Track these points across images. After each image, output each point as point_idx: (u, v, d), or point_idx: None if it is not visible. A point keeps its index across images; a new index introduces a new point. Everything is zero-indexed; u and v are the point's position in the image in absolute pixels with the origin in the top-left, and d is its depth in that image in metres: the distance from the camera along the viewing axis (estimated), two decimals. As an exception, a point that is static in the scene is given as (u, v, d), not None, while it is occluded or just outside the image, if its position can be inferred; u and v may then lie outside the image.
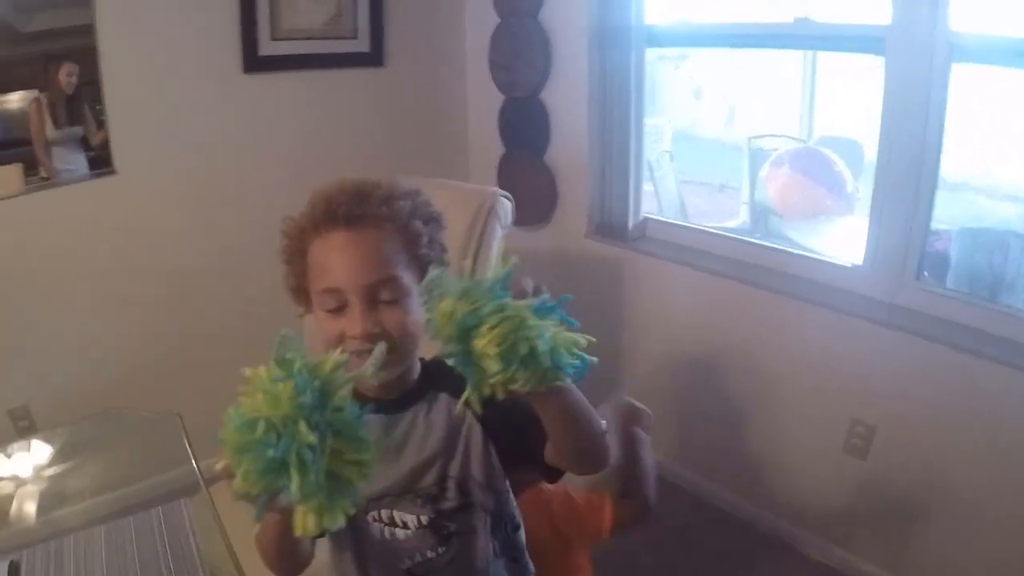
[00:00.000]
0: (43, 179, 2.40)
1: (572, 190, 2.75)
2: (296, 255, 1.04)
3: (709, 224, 2.88)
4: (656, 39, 2.48)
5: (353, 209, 0.98)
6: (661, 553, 2.29)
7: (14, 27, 2.25)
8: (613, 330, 2.70)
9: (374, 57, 2.82)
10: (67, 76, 2.34)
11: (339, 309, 0.97)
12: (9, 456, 1.75)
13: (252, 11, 2.53)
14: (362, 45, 2.78)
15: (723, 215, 4.10)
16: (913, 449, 1.99)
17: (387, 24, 2.81)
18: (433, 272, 0.81)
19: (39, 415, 2.49)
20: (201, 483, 1.47)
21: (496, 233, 1.84)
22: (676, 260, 2.47)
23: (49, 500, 1.59)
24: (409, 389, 1.07)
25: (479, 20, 2.89)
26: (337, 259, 0.98)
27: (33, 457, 1.75)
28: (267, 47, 2.59)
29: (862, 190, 3.03)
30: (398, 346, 0.97)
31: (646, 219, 2.66)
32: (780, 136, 3.91)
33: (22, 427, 2.47)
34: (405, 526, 1.07)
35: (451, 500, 1.06)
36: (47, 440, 1.85)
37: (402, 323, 0.97)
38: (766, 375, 2.29)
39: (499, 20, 2.79)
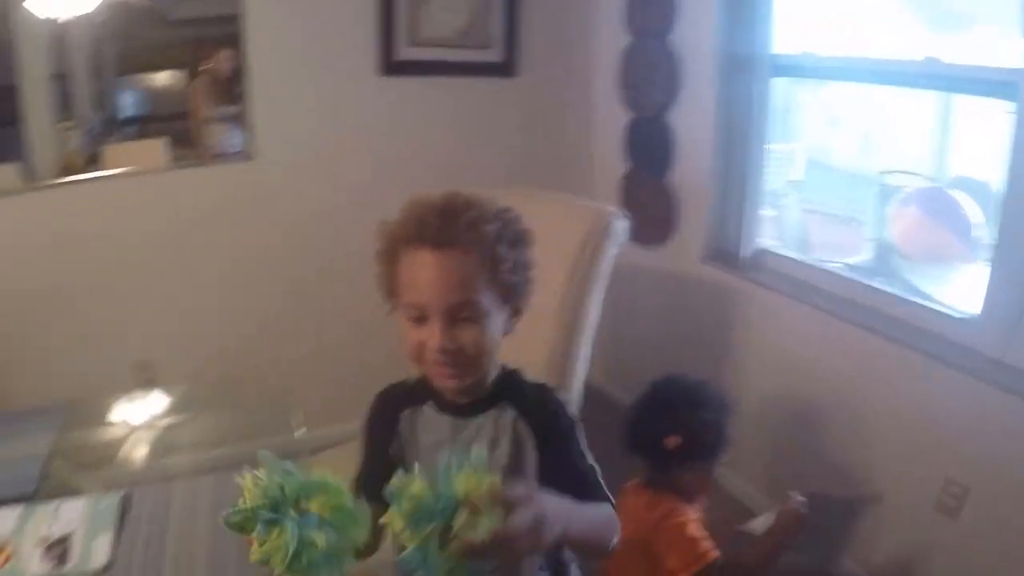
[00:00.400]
0: (191, 154, 2.64)
1: (692, 213, 2.75)
2: (388, 261, 1.10)
3: (831, 258, 2.81)
4: (782, 69, 2.47)
5: (440, 232, 1.02)
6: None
7: (162, 13, 2.48)
8: (718, 355, 2.68)
9: (506, 68, 2.91)
10: (226, 60, 2.55)
11: (421, 319, 1.04)
12: (128, 403, 1.89)
13: (391, 17, 2.67)
14: (495, 55, 2.88)
15: (847, 250, 3.98)
16: (1008, 515, 1.88)
17: (520, 36, 2.90)
18: (396, 479, 0.86)
19: (160, 371, 2.68)
20: (302, 449, 1.57)
21: (608, 252, 1.87)
22: (787, 293, 2.44)
23: (158, 448, 1.69)
24: (481, 397, 1.14)
25: (611, 38, 2.93)
26: (422, 277, 1.03)
27: (149, 408, 1.89)
28: (404, 52, 2.72)
29: (989, 237, 2.92)
30: (472, 361, 1.06)
31: (762, 249, 2.64)
32: (911, 173, 3.78)
33: (143, 380, 2.66)
34: None
35: None
36: (161, 398, 2.00)
37: (478, 341, 1.04)
38: (864, 420, 2.23)
39: (630, 39, 2.83)
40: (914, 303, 2.19)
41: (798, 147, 3.66)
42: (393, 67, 2.72)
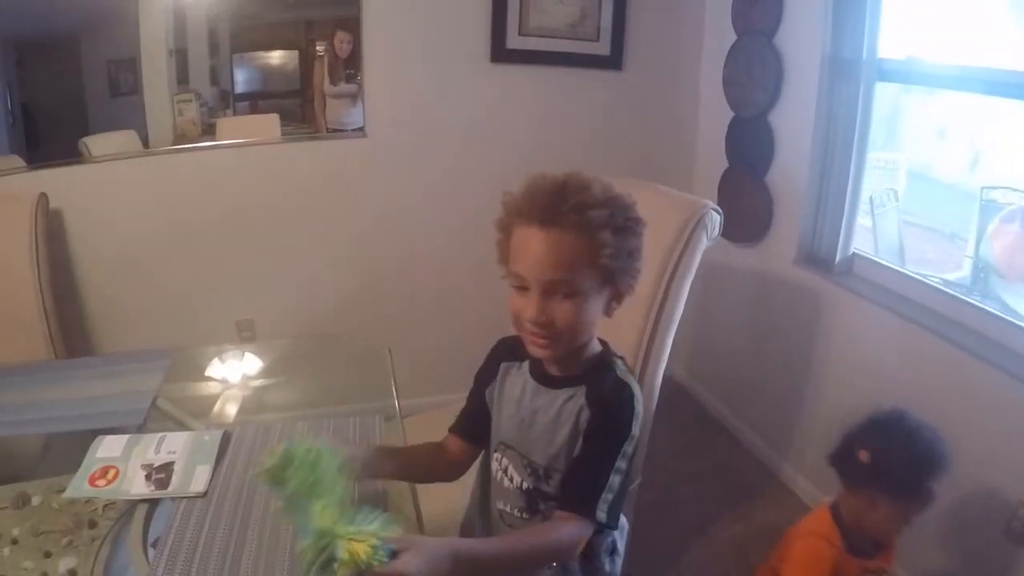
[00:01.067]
0: (305, 129, 2.79)
1: (787, 214, 2.76)
2: (503, 230, 1.18)
3: (928, 272, 2.78)
4: (888, 74, 2.45)
5: (549, 211, 1.09)
6: None
7: None
8: (802, 359, 2.69)
9: (613, 60, 2.96)
10: (341, 42, 2.69)
11: (523, 289, 1.12)
12: (223, 362, 1.97)
13: (503, 6, 2.76)
14: (603, 48, 2.93)
15: (946, 265, 3.89)
16: None
17: (628, 30, 2.95)
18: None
19: (261, 330, 2.87)
20: (397, 411, 1.62)
21: (701, 242, 1.90)
22: (877, 302, 2.42)
23: (250, 405, 1.78)
24: (566, 374, 1.21)
25: (717, 36, 2.96)
26: (527, 251, 1.11)
27: (244, 366, 1.97)
28: (514, 41, 2.81)
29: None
30: (562, 335, 1.12)
31: (854, 255, 2.63)
32: (1017, 190, 3.67)
33: (245, 337, 2.87)
34: (511, 480, 1.26)
35: (550, 488, 1.21)
36: (263, 351, 2.09)
37: (570, 318, 1.11)
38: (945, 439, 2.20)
39: (736, 38, 2.84)
40: (1003, 320, 2.16)
41: (902, 157, 3.61)
42: (503, 55, 2.81)
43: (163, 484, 1.34)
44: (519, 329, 1.17)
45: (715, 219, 1.92)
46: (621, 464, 1.14)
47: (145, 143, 2.62)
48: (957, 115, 3.46)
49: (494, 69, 2.83)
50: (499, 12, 2.76)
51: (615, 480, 1.13)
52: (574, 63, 2.92)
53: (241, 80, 2.71)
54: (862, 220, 2.75)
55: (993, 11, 2.42)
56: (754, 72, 2.77)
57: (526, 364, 1.28)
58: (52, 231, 2.39)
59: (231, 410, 1.72)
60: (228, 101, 2.72)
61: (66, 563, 1.15)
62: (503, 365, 1.32)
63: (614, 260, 1.11)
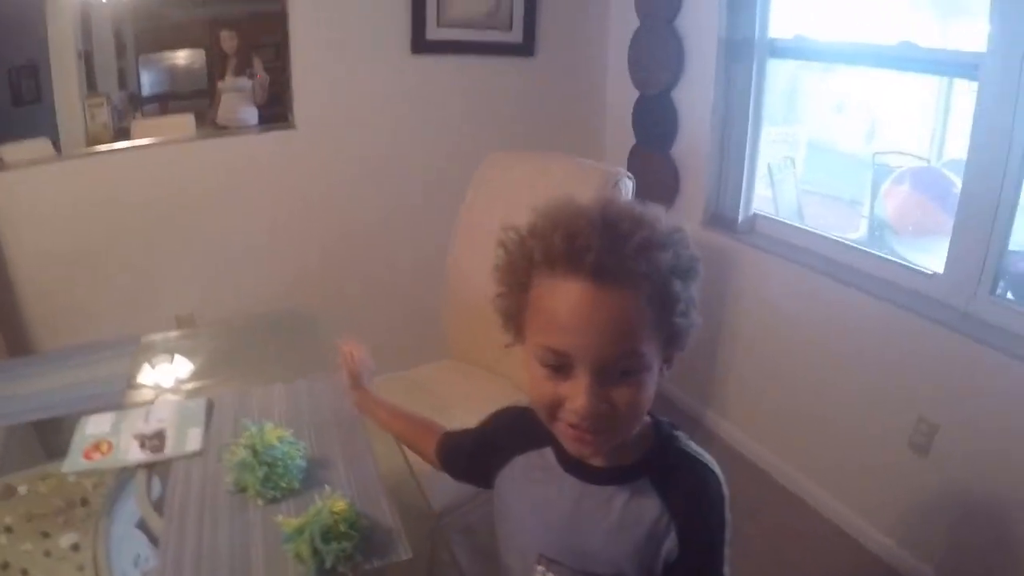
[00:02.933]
0: (216, 127, 2.80)
1: (693, 182, 2.96)
2: (516, 282, 0.87)
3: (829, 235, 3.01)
4: (779, 52, 2.65)
5: (604, 258, 0.77)
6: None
7: None
8: (714, 310, 2.89)
9: (525, 48, 3.12)
10: (228, 39, 2.72)
11: (560, 370, 0.82)
12: (184, 344, 2.02)
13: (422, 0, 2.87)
14: (515, 36, 3.09)
15: (846, 229, 4.14)
16: (973, 452, 2.05)
17: (539, 19, 3.11)
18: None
19: (201, 323, 2.88)
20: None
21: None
22: (776, 254, 2.64)
23: (221, 378, 1.81)
24: (616, 464, 0.92)
25: (621, 22, 3.14)
26: (572, 318, 0.79)
27: (204, 346, 2.03)
28: (433, 32, 2.93)
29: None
30: (620, 425, 0.84)
31: (755, 215, 2.85)
32: (906, 154, 3.91)
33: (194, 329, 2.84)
34: None
35: None
36: (217, 334, 2.16)
37: (633, 405, 0.83)
38: (845, 365, 2.41)
39: (639, 23, 3.03)
40: (886, 259, 2.38)
41: (801, 130, 3.84)
42: (423, 46, 2.94)
43: (158, 449, 1.39)
44: (550, 420, 0.87)
45: (628, 185, 2.10)
46: (727, 556, 0.92)
47: (58, 150, 2.58)
48: (853, 89, 3.69)
49: (415, 60, 2.95)
50: (418, 5, 2.88)
51: (727, 572, 0.92)
52: (490, 51, 3.07)
53: (148, 82, 2.68)
54: (763, 192, 2.96)
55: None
56: (657, 54, 2.96)
57: (551, 455, 0.98)
58: None
59: (202, 385, 1.76)
60: (137, 104, 2.69)
61: (67, 539, 1.18)
62: (519, 460, 1.02)
63: (685, 317, 0.84)
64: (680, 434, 0.96)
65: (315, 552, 1.08)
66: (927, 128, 3.87)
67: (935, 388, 2.14)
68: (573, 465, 0.94)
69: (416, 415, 1.37)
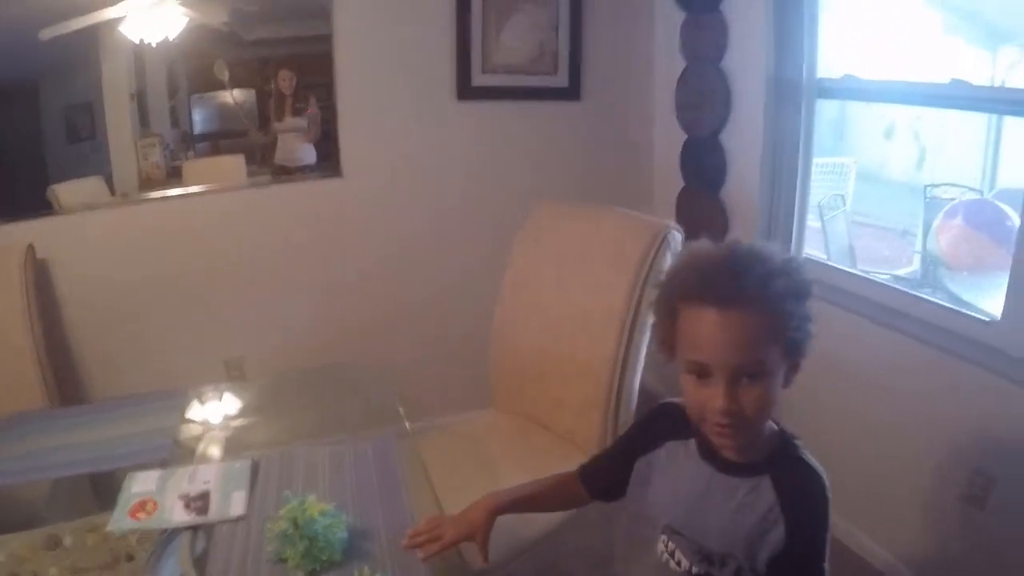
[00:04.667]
0: (264, 168, 2.85)
1: (742, 225, 2.91)
2: (667, 314, 1.10)
3: (879, 269, 2.93)
4: (827, 92, 2.62)
5: (728, 291, 1.01)
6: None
7: (239, 34, 2.66)
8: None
9: (571, 92, 3.13)
10: (283, 80, 2.78)
11: (703, 376, 1.04)
12: (229, 397, 2.03)
13: (467, 46, 2.92)
14: (561, 81, 3.10)
15: (898, 262, 4.05)
16: None
17: (584, 63, 3.12)
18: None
19: (250, 368, 2.95)
20: (408, 432, 1.75)
21: (666, 259, 2.06)
22: (827, 300, 2.52)
23: (268, 436, 1.86)
24: (746, 460, 1.12)
25: (667, 63, 3.13)
26: (707, 337, 1.03)
27: (253, 399, 2.05)
28: (479, 78, 2.96)
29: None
30: (752, 422, 1.06)
31: (806, 259, 2.79)
32: (959, 186, 3.83)
33: (234, 376, 2.94)
34: (679, 564, 1.17)
35: (723, 574, 1.13)
36: (268, 385, 2.20)
37: (760, 402, 1.04)
38: (898, 414, 2.35)
39: (685, 64, 3.01)
40: (945, 308, 2.30)
41: (851, 161, 3.77)
42: (470, 92, 2.97)
43: (202, 511, 1.41)
44: (700, 421, 1.10)
45: (677, 237, 2.08)
46: (827, 554, 1.09)
47: (111, 188, 2.64)
48: (902, 116, 3.63)
49: (461, 106, 2.98)
50: (463, 52, 2.92)
51: (825, 565, 1.09)
52: (535, 96, 3.08)
53: (200, 120, 2.73)
54: (813, 224, 2.91)
55: (921, 28, 2.60)
56: (704, 95, 2.94)
57: (694, 445, 1.20)
58: (37, 280, 2.44)
59: (252, 440, 1.79)
60: (189, 143, 2.74)
61: None
62: (668, 445, 1.24)
63: (799, 331, 1.05)
64: (799, 443, 1.15)
65: None
66: (978, 157, 3.78)
67: (991, 440, 2.07)
68: (710, 456, 1.16)
69: (543, 481, 1.43)
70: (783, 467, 1.11)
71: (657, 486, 1.24)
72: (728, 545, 1.11)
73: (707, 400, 1.05)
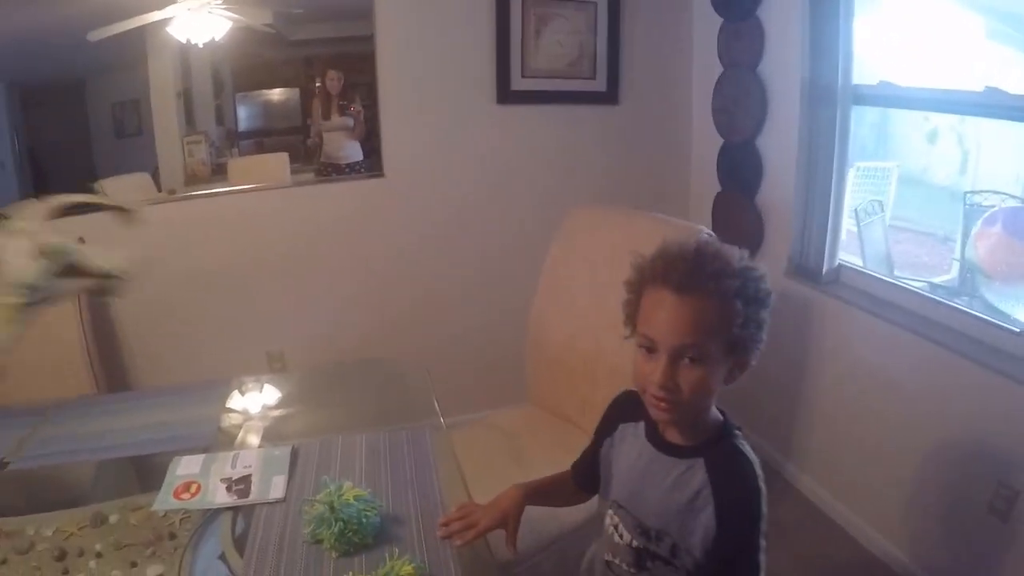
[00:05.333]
0: (315, 166, 2.92)
1: (777, 231, 2.93)
2: (634, 292, 1.19)
3: (918, 276, 2.89)
4: (863, 99, 2.61)
5: (685, 278, 1.10)
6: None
7: (282, 35, 2.73)
8: (797, 365, 2.86)
9: (609, 96, 3.17)
10: (331, 80, 2.85)
11: (651, 351, 1.13)
12: (271, 388, 2.09)
13: (507, 51, 2.97)
14: (599, 85, 3.14)
15: (938, 268, 4.00)
16: None
17: (622, 67, 3.16)
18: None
19: (291, 360, 3.04)
20: (442, 425, 1.77)
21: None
22: (860, 307, 2.59)
23: (307, 425, 1.92)
24: (683, 443, 1.20)
25: (704, 69, 3.15)
26: (660, 314, 1.12)
27: (293, 391, 2.11)
28: (518, 83, 3.01)
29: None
30: (686, 401, 1.12)
31: (840, 266, 2.80)
32: (1000, 193, 3.77)
33: (276, 368, 3.03)
34: (621, 537, 1.26)
35: (662, 551, 1.20)
36: (307, 378, 2.25)
37: (696, 385, 1.11)
38: (927, 423, 2.34)
39: (722, 70, 3.03)
40: (977, 317, 2.29)
41: (892, 164, 3.74)
42: (508, 96, 3.02)
43: (244, 494, 1.47)
44: (643, 392, 1.17)
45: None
46: (761, 546, 1.13)
47: (157, 184, 2.71)
48: (945, 120, 3.59)
49: (500, 110, 3.04)
50: (503, 56, 2.97)
51: (759, 560, 1.13)
52: (574, 100, 3.13)
53: (244, 118, 2.79)
54: (851, 229, 2.89)
55: (961, 33, 2.58)
56: (740, 101, 2.96)
57: (642, 427, 1.28)
58: None
59: (291, 430, 1.84)
60: (234, 140, 2.81)
61: (153, 570, 1.25)
62: (621, 426, 1.33)
63: (744, 329, 1.12)
64: (739, 433, 1.21)
65: None
66: (1020, 164, 3.72)
67: (1017, 453, 2.05)
68: (654, 437, 1.24)
69: (557, 476, 1.50)
70: (717, 452, 1.18)
71: (612, 467, 1.34)
72: (663, 522, 1.19)
73: (650, 373, 1.12)
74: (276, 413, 1.96)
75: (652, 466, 1.22)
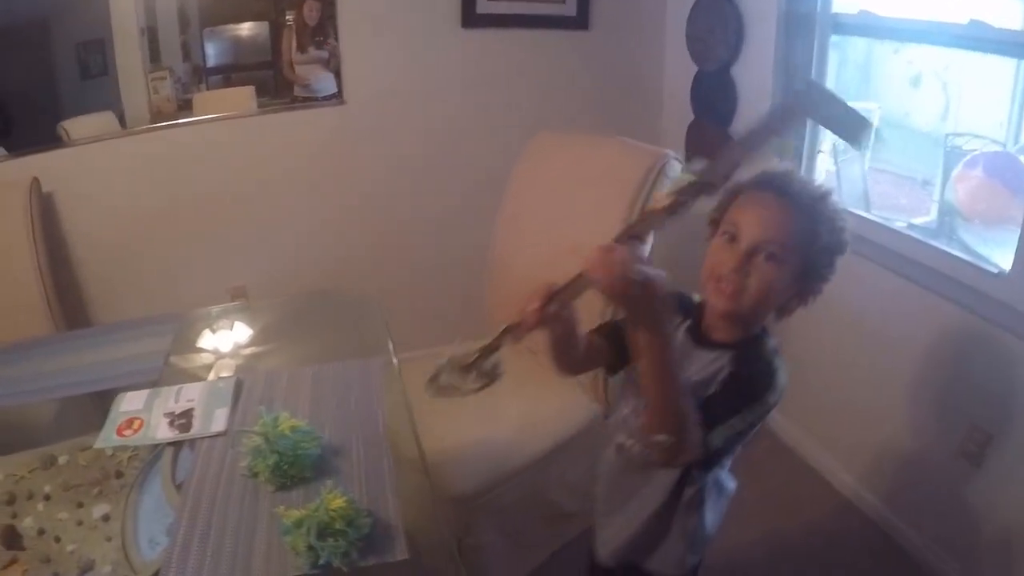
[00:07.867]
0: (278, 101, 2.84)
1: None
2: (731, 193, 1.22)
3: (896, 217, 2.86)
4: (842, 28, 2.55)
5: (788, 186, 1.17)
6: (763, 513, 2.44)
7: None
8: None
9: (580, 21, 3.05)
10: (310, 10, 2.74)
11: (732, 241, 1.17)
12: (225, 321, 2.05)
13: (473, -29, 2.81)
14: (569, 9, 3.02)
15: (915, 211, 3.99)
16: None
17: (593, -9, 3.02)
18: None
19: (253, 294, 2.95)
20: (391, 355, 1.74)
21: (663, 191, 2.03)
22: None
23: (256, 358, 1.85)
24: (723, 339, 1.24)
25: (679, -6, 3.04)
26: (753, 208, 1.18)
27: (245, 324, 2.04)
28: (484, 5, 2.89)
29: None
30: (747, 298, 1.15)
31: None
32: (981, 137, 3.74)
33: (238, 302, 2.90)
34: (639, 416, 1.25)
35: None
36: (261, 310, 2.18)
37: (763, 282, 1.15)
38: (900, 363, 2.31)
39: (697, -4, 2.93)
40: (955, 257, 2.25)
41: (875, 106, 3.68)
42: (473, 19, 2.90)
43: (185, 428, 1.46)
44: (711, 279, 1.19)
45: (675, 166, 2.04)
46: (748, 415, 1.17)
47: (122, 123, 2.67)
48: (929, 63, 3.54)
49: (465, 34, 2.92)
50: (469, -23, 2.84)
51: (737, 424, 1.16)
52: (542, 24, 3.00)
53: (213, 54, 2.73)
54: (828, 167, 2.86)
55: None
56: (716, 28, 2.87)
57: (685, 325, 1.30)
58: (44, 213, 2.47)
59: (239, 362, 1.80)
60: (201, 76, 2.74)
61: (99, 510, 1.25)
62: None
63: (819, 256, 1.18)
64: (771, 342, 1.25)
65: (311, 547, 1.08)
66: (1003, 109, 3.68)
67: (991, 396, 2.01)
68: (694, 333, 1.28)
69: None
70: (747, 342, 1.23)
71: None
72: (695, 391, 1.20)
73: (727, 260, 1.16)
74: (227, 346, 1.91)
75: (685, 358, 1.23)
